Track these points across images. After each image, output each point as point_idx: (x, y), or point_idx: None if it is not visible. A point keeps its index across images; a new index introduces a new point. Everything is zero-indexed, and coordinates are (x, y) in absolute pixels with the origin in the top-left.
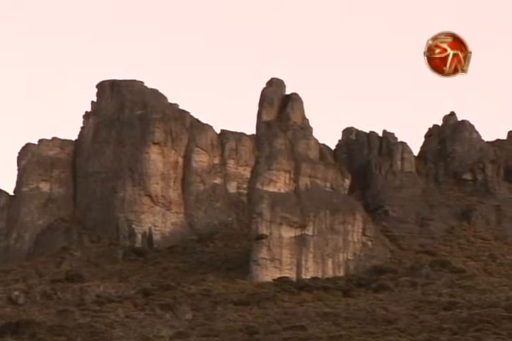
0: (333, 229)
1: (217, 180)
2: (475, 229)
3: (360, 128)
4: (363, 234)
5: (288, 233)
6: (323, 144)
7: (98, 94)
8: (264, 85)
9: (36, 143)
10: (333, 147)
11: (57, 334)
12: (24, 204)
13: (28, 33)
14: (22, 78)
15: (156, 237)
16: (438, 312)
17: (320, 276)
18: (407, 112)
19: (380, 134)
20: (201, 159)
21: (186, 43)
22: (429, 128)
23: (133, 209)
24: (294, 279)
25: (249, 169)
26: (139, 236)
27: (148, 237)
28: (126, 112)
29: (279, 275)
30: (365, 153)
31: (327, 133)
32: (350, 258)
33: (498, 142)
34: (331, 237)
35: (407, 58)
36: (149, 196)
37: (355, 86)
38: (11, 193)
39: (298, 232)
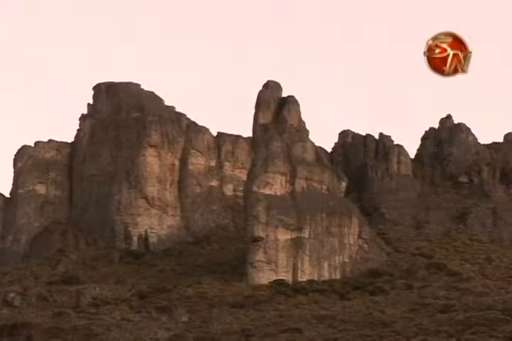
0: (330, 232)
1: (214, 183)
2: (471, 232)
3: (356, 131)
4: (359, 236)
5: (284, 235)
6: (320, 147)
7: (94, 97)
8: (261, 88)
9: (32, 145)
10: (329, 150)
11: (53, 337)
12: (20, 207)
13: (24, 35)
14: (18, 80)
15: (152, 240)
16: (434, 314)
17: (316, 279)
18: (404, 115)
19: (377, 137)
20: (198, 161)
21: (183, 46)
22: (426, 131)
23: (129, 212)
24: (290, 282)
25: (245, 171)
26: (135, 239)
27: (144, 240)
28: (123, 115)
29: (275, 278)
30: (361, 155)
31: (323, 136)
32: (346, 260)
33: (494, 145)
34: (327, 240)
35: (405, 62)
36: (145, 198)
37: (351, 89)
38: (7, 195)
39: (294, 235)
